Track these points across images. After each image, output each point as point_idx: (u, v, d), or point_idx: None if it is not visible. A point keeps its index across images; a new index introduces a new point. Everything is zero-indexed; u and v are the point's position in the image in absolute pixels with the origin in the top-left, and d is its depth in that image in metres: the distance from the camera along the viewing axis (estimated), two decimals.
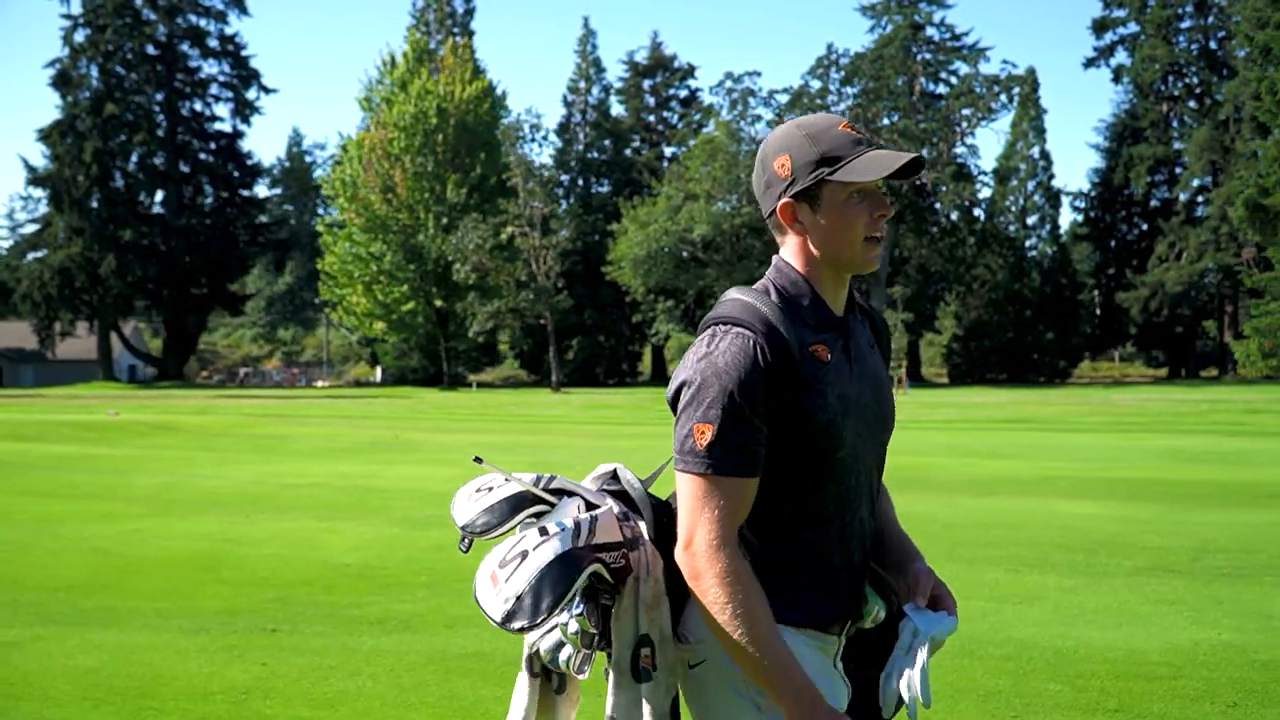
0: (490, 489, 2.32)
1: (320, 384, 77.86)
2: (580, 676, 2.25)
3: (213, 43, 75.82)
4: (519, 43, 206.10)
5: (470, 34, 73.01)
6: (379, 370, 78.83)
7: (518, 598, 2.10)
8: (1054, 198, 72.07)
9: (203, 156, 75.67)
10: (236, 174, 76.85)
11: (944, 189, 68.18)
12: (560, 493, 2.31)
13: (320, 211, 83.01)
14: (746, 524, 2.19)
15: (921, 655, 2.18)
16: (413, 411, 37.46)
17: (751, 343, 2.12)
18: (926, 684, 2.17)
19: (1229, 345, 50.59)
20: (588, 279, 72.20)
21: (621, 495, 2.35)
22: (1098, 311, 76.19)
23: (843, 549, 2.26)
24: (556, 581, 2.10)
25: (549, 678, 2.36)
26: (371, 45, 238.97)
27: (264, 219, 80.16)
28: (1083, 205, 76.43)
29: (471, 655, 5.92)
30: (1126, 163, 73.06)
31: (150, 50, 74.18)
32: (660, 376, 79.20)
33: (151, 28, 74.05)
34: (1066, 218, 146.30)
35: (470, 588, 2.20)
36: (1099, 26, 74.52)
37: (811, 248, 2.24)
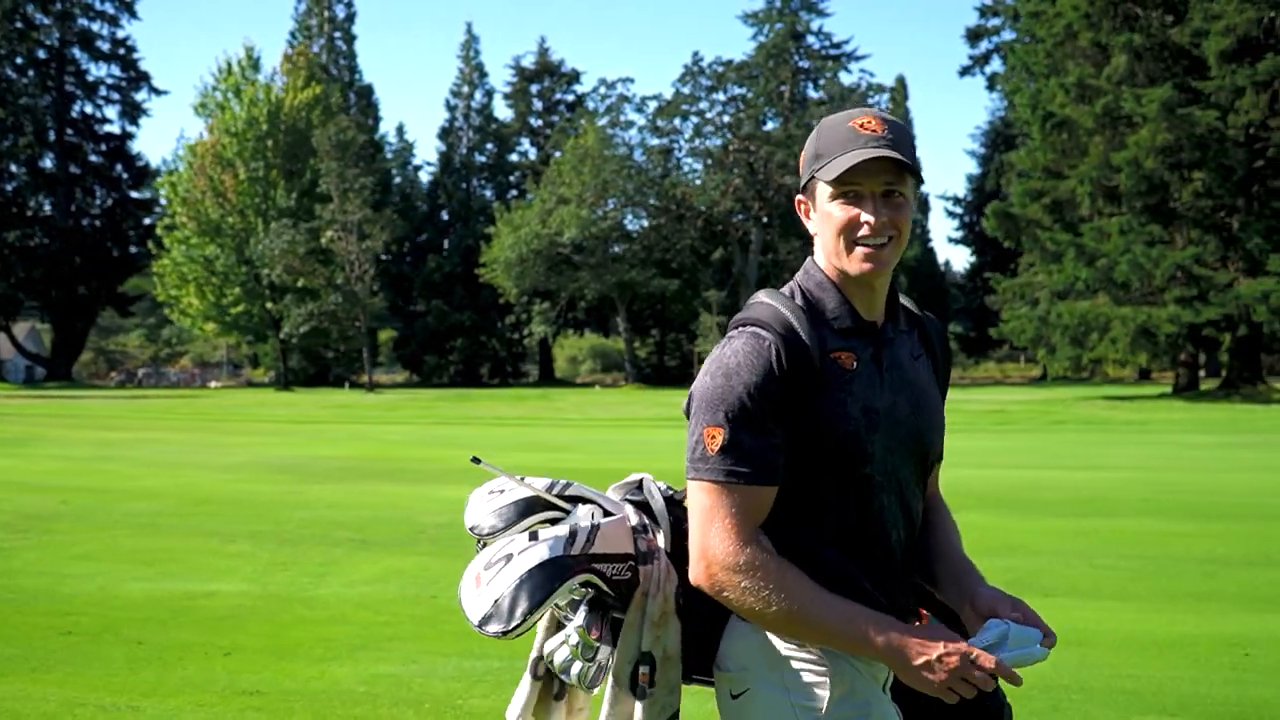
0: (503, 491, 2.24)
1: (213, 385, 78.75)
2: (591, 691, 2.12)
3: (104, 46, 76.44)
4: (405, 48, 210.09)
5: (352, 39, 74.14)
6: (273, 372, 79.63)
7: (495, 601, 2.02)
8: (923, 203, 72.92)
9: (92, 158, 76.31)
10: (126, 176, 77.62)
11: None
12: (576, 500, 2.23)
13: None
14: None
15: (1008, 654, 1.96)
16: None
17: (766, 344, 2.01)
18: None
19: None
20: (467, 281, 73.08)
21: (644, 506, 2.25)
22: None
23: (873, 575, 2.09)
24: (536, 588, 2.01)
25: (549, 682, 2.28)
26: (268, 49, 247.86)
27: (152, 220, 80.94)
28: (959, 211, 77.33)
29: None
30: (999, 169, 73.75)
31: (41, 54, 74.91)
32: (548, 377, 79.90)
33: (42, 32, 74.65)
34: (940, 222, 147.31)
35: None
36: (973, 35, 75.24)
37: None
